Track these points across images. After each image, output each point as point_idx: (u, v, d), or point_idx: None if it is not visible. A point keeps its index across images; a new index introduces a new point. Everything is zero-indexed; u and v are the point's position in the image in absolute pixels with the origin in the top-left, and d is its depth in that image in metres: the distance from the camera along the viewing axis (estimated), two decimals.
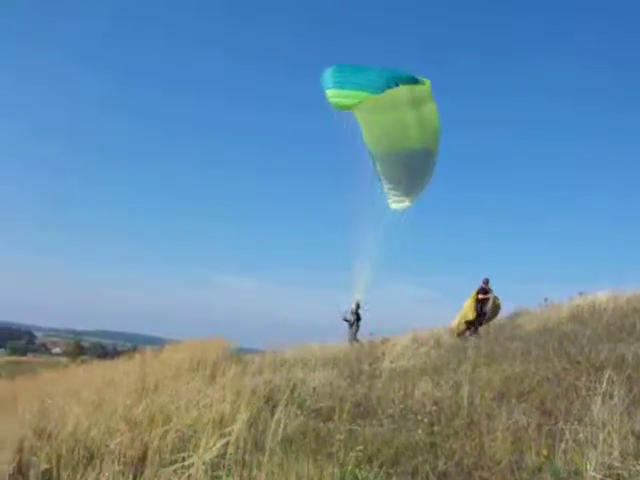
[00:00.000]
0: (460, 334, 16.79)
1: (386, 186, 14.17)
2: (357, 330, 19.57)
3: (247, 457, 5.46)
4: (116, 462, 5.75)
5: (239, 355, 14.85)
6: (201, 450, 5.38)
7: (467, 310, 16.82)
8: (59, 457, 5.98)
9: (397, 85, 9.28)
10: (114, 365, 17.16)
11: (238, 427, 5.72)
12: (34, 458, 5.85)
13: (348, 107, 8.56)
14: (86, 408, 7.25)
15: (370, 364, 12.05)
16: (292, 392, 8.39)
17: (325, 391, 8.86)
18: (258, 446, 5.68)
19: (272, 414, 6.44)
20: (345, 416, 6.87)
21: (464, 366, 9.21)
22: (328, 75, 9.40)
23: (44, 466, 5.73)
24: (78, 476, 5.52)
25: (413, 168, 13.41)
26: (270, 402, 7.90)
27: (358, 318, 19.74)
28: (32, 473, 5.67)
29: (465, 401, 7.14)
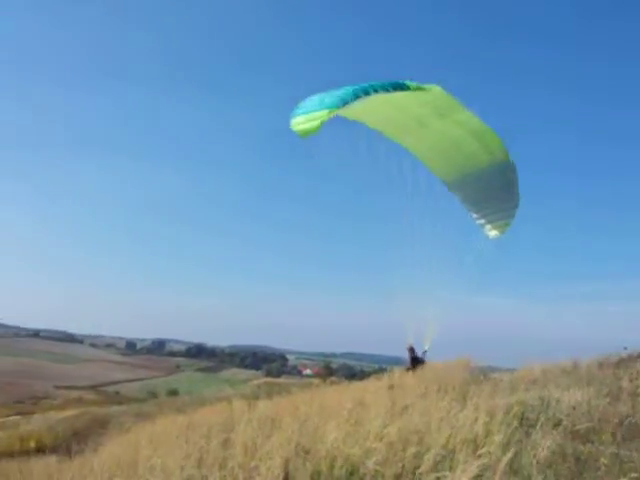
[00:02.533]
0: None
1: (474, 215, 12.89)
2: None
3: None
4: None
5: (487, 374, 14.82)
6: (458, 471, 5.63)
7: None
8: (319, 473, 6.65)
9: (367, 94, 8.22)
10: (363, 386, 18.14)
11: (493, 449, 5.91)
12: (297, 473, 6.54)
13: (312, 131, 7.59)
14: (342, 427, 7.91)
15: (631, 381, 11.37)
16: (546, 411, 8.32)
17: (582, 410, 8.63)
18: (513, 469, 5.83)
19: (527, 435, 6.54)
20: (608, 438, 6.71)
21: None
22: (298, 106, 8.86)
23: None
24: None
25: (493, 187, 12.08)
26: (524, 422, 7.94)
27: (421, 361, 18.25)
28: None
29: None
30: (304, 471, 6.60)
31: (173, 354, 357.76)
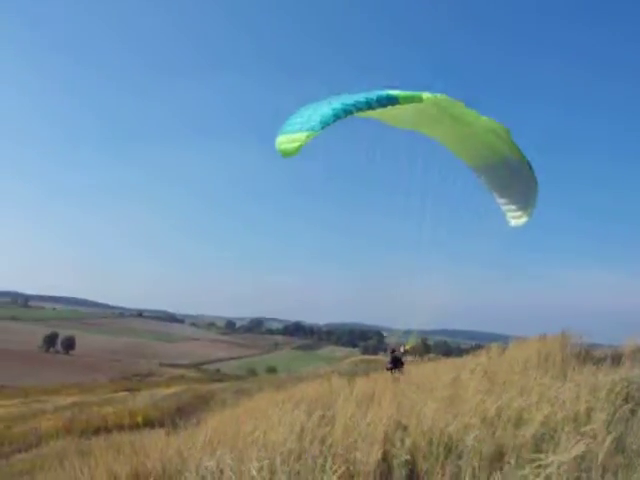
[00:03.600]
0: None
1: (499, 200, 12.38)
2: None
3: (609, 460, 5.51)
4: (473, 458, 6.25)
5: (588, 350, 14.37)
6: (561, 449, 5.55)
7: None
8: (418, 449, 6.71)
9: (349, 113, 7.74)
10: (460, 362, 17.99)
11: (597, 427, 5.80)
12: (396, 449, 6.62)
13: (292, 153, 7.36)
14: (439, 404, 7.93)
15: None
16: None
17: None
18: (619, 448, 5.69)
19: (632, 413, 6.36)
20: None
21: None
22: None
23: (405, 457, 6.47)
24: (437, 468, 6.13)
25: (516, 178, 11.61)
26: (629, 400, 7.68)
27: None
28: (395, 462, 6.45)
29: None
30: (402, 447, 6.67)
31: (271, 332, 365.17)
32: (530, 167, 11.58)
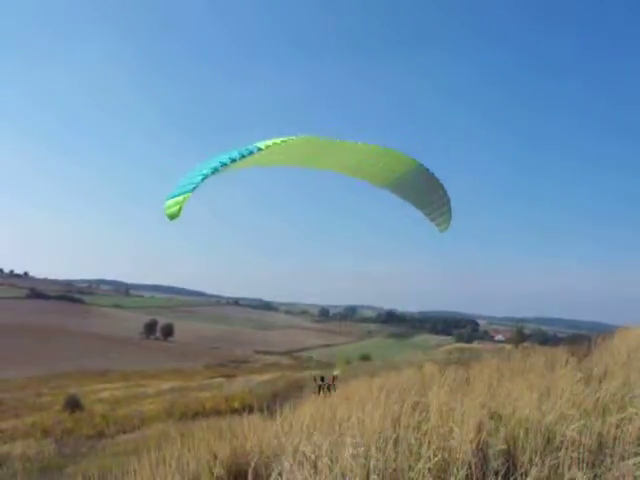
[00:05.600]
0: None
1: (420, 212, 11.60)
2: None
3: None
4: (573, 449, 6.12)
5: None
6: None
7: None
8: (515, 439, 6.62)
9: (215, 171, 7.33)
10: (556, 352, 17.58)
11: None
12: (492, 438, 6.57)
13: (175, 216, 7.15)
14: (535, 393, 7.79)
15: None
16: None
17: None
18: None
19: None
20: None
21: None
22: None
23: (501, 446, 6.41)
24: (536, 459, 6.04)
25: (423, 187, 10.83)
26: None
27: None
28: (490, 452, 6.41)
29: None
30: (498, 436, 6.62)
31: (364, 320, 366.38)
32: (428, 171, 10.98)
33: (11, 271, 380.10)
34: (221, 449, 6.44)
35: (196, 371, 75.03)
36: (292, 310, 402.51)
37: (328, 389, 16.76)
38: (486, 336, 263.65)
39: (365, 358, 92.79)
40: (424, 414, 7.29)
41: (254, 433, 7.12)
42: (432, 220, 11.88)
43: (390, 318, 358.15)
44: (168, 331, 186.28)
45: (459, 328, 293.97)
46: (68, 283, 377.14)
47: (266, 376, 48.94)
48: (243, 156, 7.66)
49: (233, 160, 7.62)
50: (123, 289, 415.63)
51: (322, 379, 17.64)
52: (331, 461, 5.80)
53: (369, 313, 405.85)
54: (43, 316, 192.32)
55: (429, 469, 5.36)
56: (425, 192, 11.19)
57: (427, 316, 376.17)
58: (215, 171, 7.45)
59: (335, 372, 18.61)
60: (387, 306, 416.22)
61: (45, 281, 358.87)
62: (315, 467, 5.84)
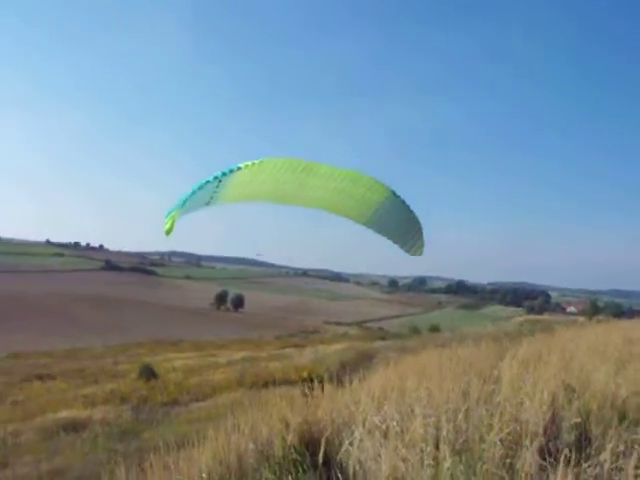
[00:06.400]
0: None
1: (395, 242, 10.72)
2: None
3: None
4: None
5: None
6: None
7: None
8: (588, 413, 6.53)
9: (193, 193, 7.13)
10: (631, 324, 17.14)
11: None
12: (565, 411, 6.49)
13: (169, 232, 7.22)
14: (610, 367, 7.66)
15: None
16: None
17: None
18: None
19: None
20: None
21: None
22: None
23: (575, 419, 6.32)
24: (610, 433, 5.92)
25: (394, 219, 10.00)
26: None
27: None
28: (564, 425, 6.34)
29: None
30: (571, 409, 6.54)
31: (434, 291, 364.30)
32: (401, 199, 10.44)
33: (87, 244, 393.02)
34: (293, 417, 6.57)
35: (266, 341, 76.14)
36: (361, 281, 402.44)
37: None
38: (558, 308, 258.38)
39: (434, 329, 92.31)
40: (495, 386, 7.25)
41: (325, 403, 7.23)
42: (407, 250, 11.65)
43: (460, 289, 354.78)
44: (238, 302, 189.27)
45: (530, 299, 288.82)
46: (141, 255, 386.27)
47: (335, 346, 49.19)
48: (224, 174, 7.74)
49: (216, 177, 7.73)
50: (194, 261, 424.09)
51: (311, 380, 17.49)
52: (401, 431, 5.85)
53: (438, 284, 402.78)
54: (117, 287, 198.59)
55: (501, 440, 5.35)
56: (402, 225, 10.93)
57: (498, 287, 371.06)
58: (199, 189, 7.60)
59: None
60: (457, 277, 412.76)
61: (119, 253, 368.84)
62: (385, 436, 5.90)
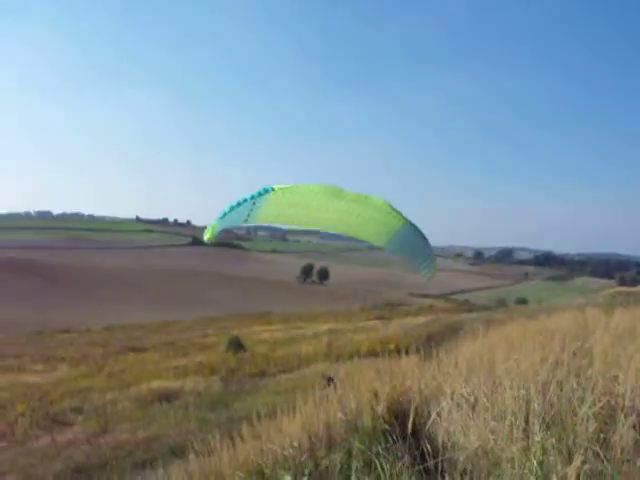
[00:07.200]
0: None
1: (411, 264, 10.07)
2: None
3: None
4: None
5: None
6: None
7: None
8: None
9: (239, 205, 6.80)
10: None
11: None
12: None
13: (210, 240, 7.18)
14: None
15: None
16: None
17: None
18: None
19: None
20: None
21: None
22: None
23: None
24: None
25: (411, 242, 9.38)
26: None
27: None
28: None
29: None
30: None
31: (521, 262, 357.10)
32: (411, 224, 10.10)
33: (175, 220, 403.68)
34: (382, 387, 6.61)
35: (351, 313, 76.49)
36: (446, 253, 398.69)
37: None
38: None
39: (521, 302, 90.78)
40: (586, 359, 7.08)
41: (412, 374, 7.25)
42: (422, 272, 11.62)
43: (547, 260, 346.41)
44: (324, 274, 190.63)
45: (622, 271, 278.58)
46: (227, 230, 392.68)
47: (421, 319, 49.04)
48: (260, 194, 7.93)
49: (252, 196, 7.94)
50: (280, 235, 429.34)
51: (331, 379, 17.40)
52: (490, 403, 5.80)
53: (525, 255, 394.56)
54: (205, 262, 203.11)
55: (593, 414, 5.22)
56: (418, 249, 11.05)
57: (587, 258, 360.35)
58: (237, 206, 7.82)
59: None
60: (544, 247, 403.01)
61: (206, 229, 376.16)
62: (473, 409, 5.87)
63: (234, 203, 7.83)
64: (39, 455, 13.93)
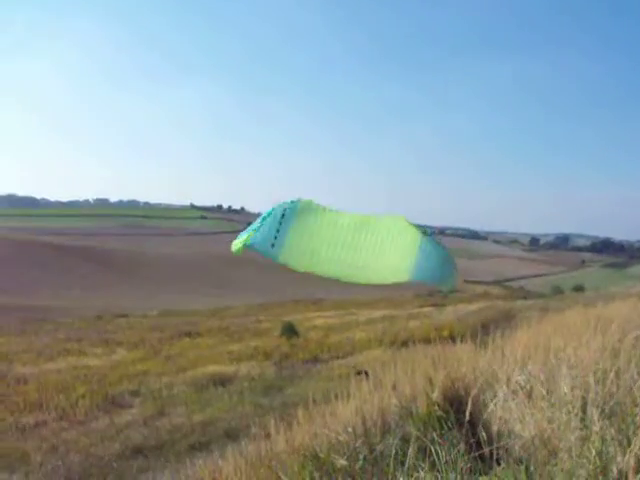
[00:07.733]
0: None
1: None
2: None
3: None
4: None
5: None
6: None
7: None
8: None
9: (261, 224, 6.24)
10: None
11: None
12: None
13: (237, 252, 6.56)
14: None
15: None
16: None
17: None
18: None
19: None
20: None
21: None
22: None
23: None
24: None
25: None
26: None
27: None
28: None
29: None
30: None
31: (578, 249, 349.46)
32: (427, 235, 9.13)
33: (229, 207, 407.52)
34: (436, 374, 6.59)
35: (406, 300, 75.99)
36: (501, 239, 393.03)
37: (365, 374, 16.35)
38: None
39: (578, 289, 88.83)
40: None
41: (468, 361, 7.21)
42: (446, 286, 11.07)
43: (606, 247, 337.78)
44: None
45: None
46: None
47: (475, 305, 48.48)
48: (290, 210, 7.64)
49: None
50: None
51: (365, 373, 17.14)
52: (546, 391, 5.73)
53: (582, 242, 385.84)
54: None
55: None
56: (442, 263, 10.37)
57: None
58: (263, 220, 7.67)
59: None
60: (603, 234, 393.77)
61: (258, 215, 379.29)
62: (530, 397, 5.80)
63: (265, 213, 7.74)
64: (98, 435, 14.32)
